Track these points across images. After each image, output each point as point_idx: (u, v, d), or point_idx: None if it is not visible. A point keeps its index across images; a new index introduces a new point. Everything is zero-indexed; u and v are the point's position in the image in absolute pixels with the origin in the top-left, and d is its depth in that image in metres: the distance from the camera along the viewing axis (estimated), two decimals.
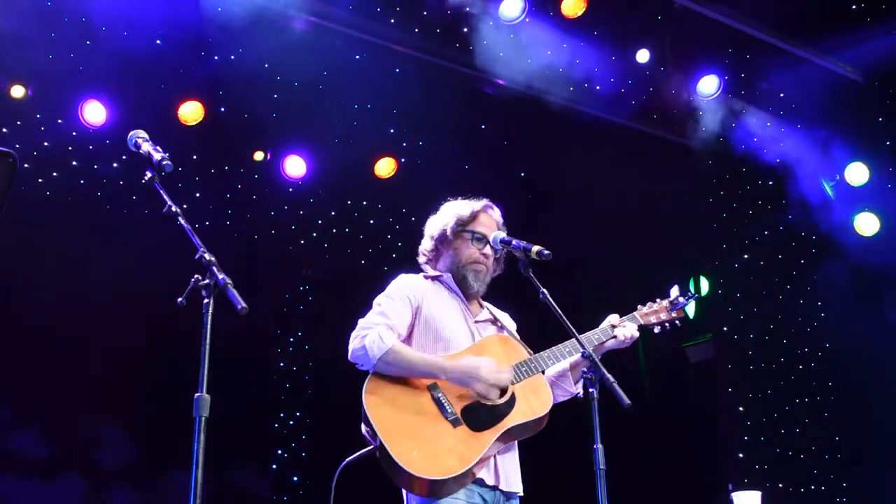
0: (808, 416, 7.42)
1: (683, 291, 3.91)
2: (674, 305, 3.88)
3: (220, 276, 2.52)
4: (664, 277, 8.66)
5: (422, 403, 3.33)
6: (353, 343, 3.39)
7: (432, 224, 3.86)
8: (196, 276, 2.55)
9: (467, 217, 3.75)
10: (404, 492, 3.38)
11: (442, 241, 3.79)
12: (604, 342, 3.67)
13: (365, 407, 3.26)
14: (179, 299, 2.56)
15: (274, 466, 7.61)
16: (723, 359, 7.90)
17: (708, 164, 7.48)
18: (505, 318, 3.85)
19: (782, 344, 7.61)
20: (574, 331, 3.46)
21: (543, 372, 3.60)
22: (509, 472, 3.45)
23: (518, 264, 3.45)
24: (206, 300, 2.53)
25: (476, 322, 3.70)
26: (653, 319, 3.86)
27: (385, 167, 7.69)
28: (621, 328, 3.71)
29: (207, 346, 2.50)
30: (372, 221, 7.90)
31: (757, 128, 7.45)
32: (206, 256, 2.58)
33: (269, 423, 7.65)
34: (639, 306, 3.89)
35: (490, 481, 3.35)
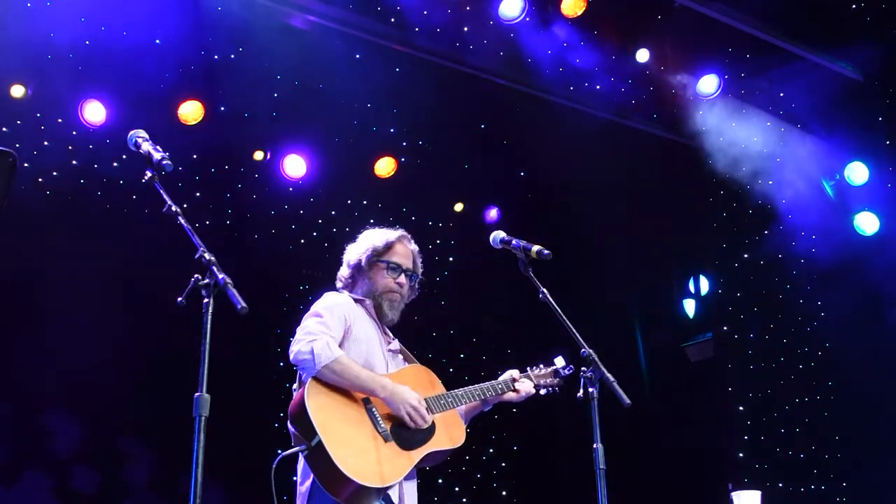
0: (808, 416, 7.41)
1: (567, 362, 4.14)
2: (557, 374, 4.16)
3: (220, 276, 2.53)
4: (664, 276, 8.71)
5: (358, 415, 3.50)
6: (300, 346, 3.53)
7: (350, 252, 4.03)
8: (196, 275, 2.56)
9: (381, 248, 3.93)
10: (303, 487, 3.60)
11: (357, 269, 3.96)
12: (504, 393, 3.97)
13: (308, 410, 3.39)
14: (179, 299, 2.57)
15: (274, 466, 7.59)
16: (723, 359, 7.90)
17: (708, 163, 7.47)
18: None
19: (782, 344, 7.60)
20: (573, 329, 3.47)
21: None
22: (410, 496, 3.62)
23: (518, 264, 3.48)
24: (206, 300, 2.54)
25: (389, 350, 3.87)
26: (542, 382, 4.12)
27: (385, 167, 7.68)
28: (521, 383, 4.02)
29: (207, 346, 2.50)
30: (372, 221, 7.86)
31: (756, 127, 7.44)
32: (206, 256, 2.59)
33: (269, 423, 7.63)
34: (528, 369, 4.15)
35: (395, 501, 3.52)
